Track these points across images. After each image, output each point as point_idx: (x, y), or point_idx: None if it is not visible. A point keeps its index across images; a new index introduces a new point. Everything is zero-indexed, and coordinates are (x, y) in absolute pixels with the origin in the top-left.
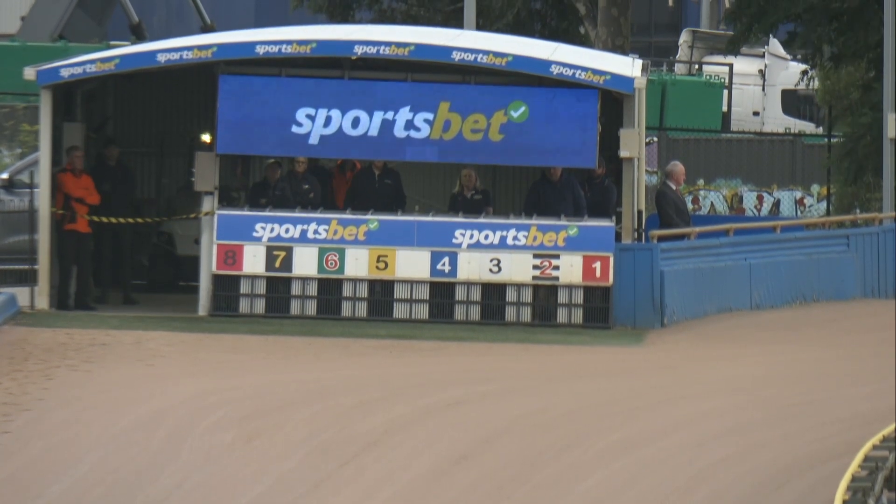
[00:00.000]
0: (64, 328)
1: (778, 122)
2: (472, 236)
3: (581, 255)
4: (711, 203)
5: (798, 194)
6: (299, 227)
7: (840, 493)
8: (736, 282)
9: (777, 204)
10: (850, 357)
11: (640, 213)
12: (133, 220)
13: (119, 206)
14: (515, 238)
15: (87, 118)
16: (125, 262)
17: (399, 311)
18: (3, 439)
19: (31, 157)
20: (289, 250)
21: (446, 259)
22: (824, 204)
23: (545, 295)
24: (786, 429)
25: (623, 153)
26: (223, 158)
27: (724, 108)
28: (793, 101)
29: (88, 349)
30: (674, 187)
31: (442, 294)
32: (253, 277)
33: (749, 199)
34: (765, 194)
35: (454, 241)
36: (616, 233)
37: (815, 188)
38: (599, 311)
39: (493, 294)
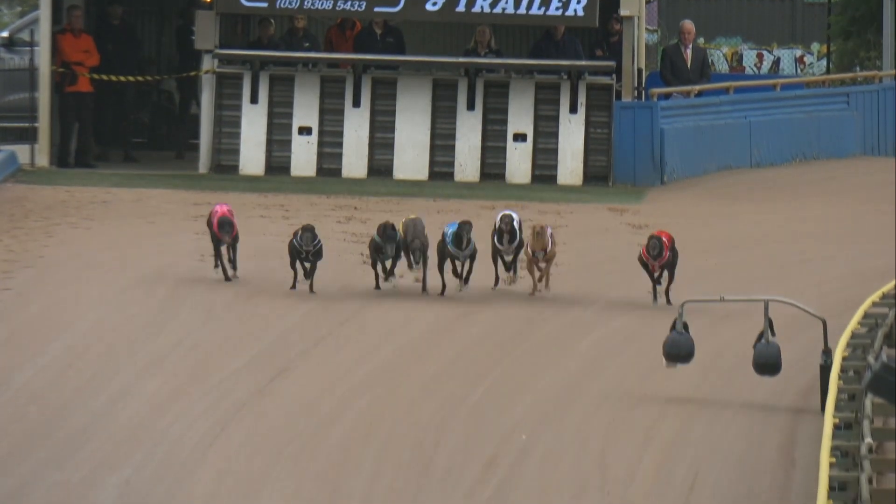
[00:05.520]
0: (64, 186)
1: None
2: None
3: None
4: (712, 61)
5: (798, 52)
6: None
7: (840, 350)
8: (736, 140)
9: (777, 62)
10: (849, 215)
11: (640, 71)
12: (135, 79)
13: (123, 66)
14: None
15: None
16: (126, 120)
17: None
18: (4, 296)
19: (31, 15)
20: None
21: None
22: (824, 62)
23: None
24: (785, 286)
25: (623, 11)
26: (223, 17)
27: None
28: None
29: (89, 207)
30: (683, 47)
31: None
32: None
33: (749, 57)
34: (765, 53)
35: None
36: (616, 91)
37: (815, 46)
38: (599, 169)
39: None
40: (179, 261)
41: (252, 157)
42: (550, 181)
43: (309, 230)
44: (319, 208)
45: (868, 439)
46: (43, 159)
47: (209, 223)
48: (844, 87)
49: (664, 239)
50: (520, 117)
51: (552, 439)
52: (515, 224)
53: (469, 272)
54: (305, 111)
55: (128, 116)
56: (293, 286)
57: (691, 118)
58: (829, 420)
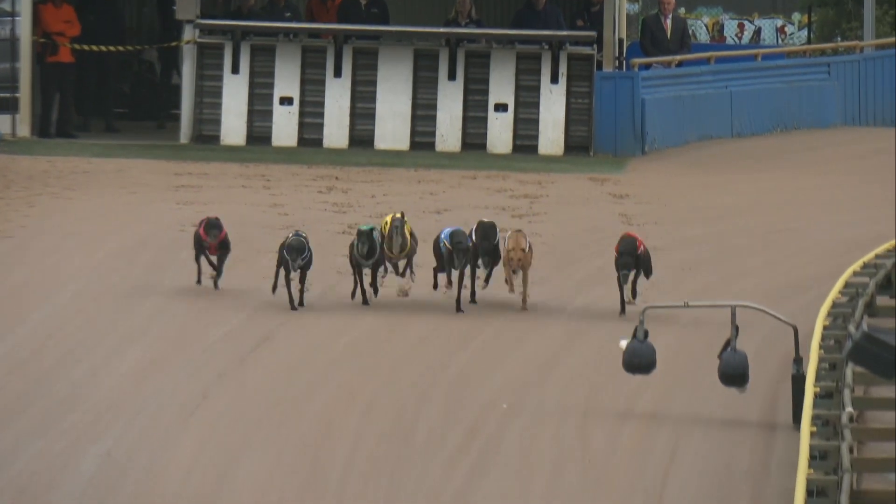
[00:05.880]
0: (45, 156)
1: None
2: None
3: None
4: (693, 32)
5: (779, 22)
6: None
7: (821, 319)
8: (717, 110)
9: (758, 32)
10: (830, 184)
11: (621, 41)
12: (116, 49)
13: (104, 36)
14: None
15: None
16: (108, 90)
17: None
18: None
19: None
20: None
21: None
22: (805, 32)
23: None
24: (767, 256)
25: None
26: None
27: None
28: None
29: (70, 177)
30: (663, 17)
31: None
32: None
33: (730, 27)
34: (745, 22)
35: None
36: (598, 61)
37: (795, 16)
38: (580, 139)
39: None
40: (160, 231)
41: (233, 127)
42: (531, 151)
43: (296, 248)
44: (300, 178)
45: (849, 408)
46: (24, 129)
47: (196, 233)
48: (825, 57)
49: (638, 242)
50: (501, 87)
51: (533, 408)
52: (497, 237)
53: (472, 281)
54: (287, 81)
55: (109, 86)
56: (273, 289)
57: (672, 88)
58: (810, 389)
